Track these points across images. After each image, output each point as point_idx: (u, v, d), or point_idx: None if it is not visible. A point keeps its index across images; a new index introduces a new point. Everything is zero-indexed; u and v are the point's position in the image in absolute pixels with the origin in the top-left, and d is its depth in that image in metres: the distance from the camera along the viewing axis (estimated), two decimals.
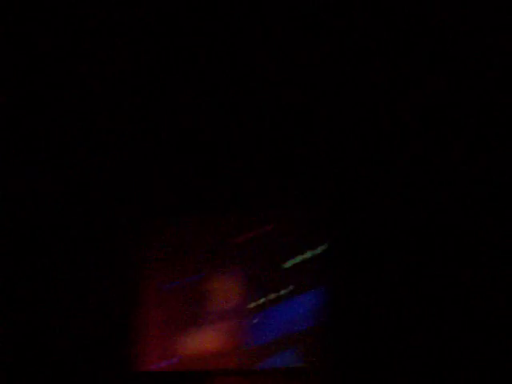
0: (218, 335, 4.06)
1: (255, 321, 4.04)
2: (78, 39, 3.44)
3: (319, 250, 4.10)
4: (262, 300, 4.07)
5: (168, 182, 4.30)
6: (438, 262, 3.78)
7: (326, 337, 3.93)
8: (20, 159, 4.14)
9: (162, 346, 4.11)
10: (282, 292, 4.06)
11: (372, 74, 3.62)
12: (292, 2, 3.23)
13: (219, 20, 3.34)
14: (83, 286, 4.22)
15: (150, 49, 3.53)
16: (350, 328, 3.84)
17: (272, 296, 4.07)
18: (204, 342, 4.06)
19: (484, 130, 3.74)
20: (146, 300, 4.21)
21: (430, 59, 3.51)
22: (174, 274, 4.22)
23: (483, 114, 3.70)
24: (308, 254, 4.11)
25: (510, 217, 3.69)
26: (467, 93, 3.64)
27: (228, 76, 3.70)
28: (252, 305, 4.08)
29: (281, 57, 3.56)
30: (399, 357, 3.68)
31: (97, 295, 4.19)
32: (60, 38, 3.42)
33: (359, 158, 4.05)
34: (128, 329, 4.14)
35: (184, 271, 4.22)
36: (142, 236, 4.34)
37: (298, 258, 4.12)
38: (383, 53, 3.49)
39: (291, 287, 4.07)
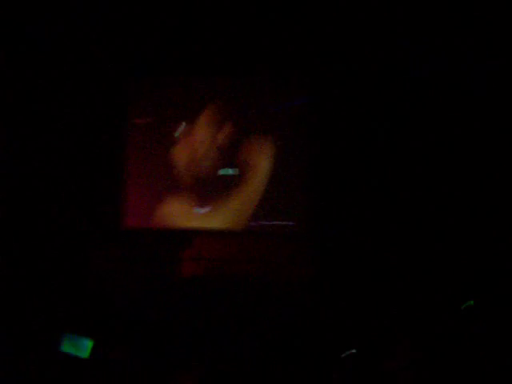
0: (202, 196, 4.36)
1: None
2: None
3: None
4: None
5: (153, 42, 4.28)
6: None
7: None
8: None
9: (145, 206, 4.39)
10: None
11: None
12: None
13: None
14: (70, 152, 4.37)
15: None
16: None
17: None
18: (186, 203, 4.36)
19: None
20: (130, 163, 4.42)
21: None
22: (157, 136, 4.39)
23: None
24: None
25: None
26: None
27: None
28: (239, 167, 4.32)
29: None
30: None
31: (84, 158, 4.38)
32: None
33: None
34: (114, 190, 4.41)
35: (166, 134, 4.39)
36: (127, 97, 4.41)
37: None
38: None
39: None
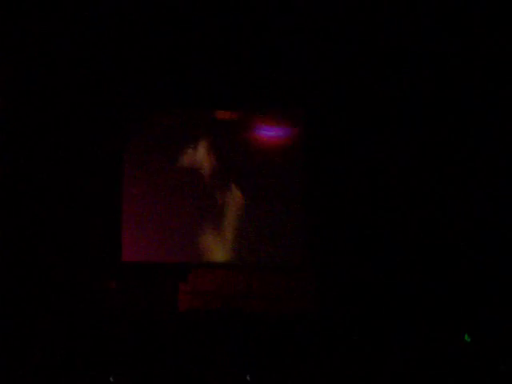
0: (202, 229, 4.34)
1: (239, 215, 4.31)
2: None
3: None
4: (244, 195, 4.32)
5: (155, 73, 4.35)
6: None
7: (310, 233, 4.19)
8: None
9: (147, 238, 4.39)
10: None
11: None
12: None
13: None
14: (72, 175, 4.39)
15: None
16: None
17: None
18: (189, 235, 4.36)
19: None
20: (131, 191, 4.43)
21: None
22: (158, 165, 4.41)
23: None
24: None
25: None
26: None
27: None
28: (235, 199, 4.33)
29: None
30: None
31: (84, 185, 4.40)
32: None
33: None
34: (115, 220, 4.41)
35: (167, 162, 4.41)
36: (127, 124, 4.45)
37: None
38: None
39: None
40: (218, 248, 4.34)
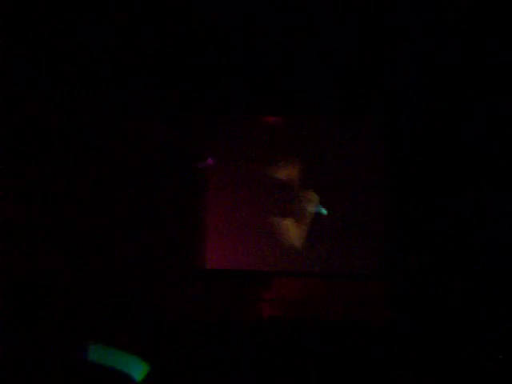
0: (282, 237, 4.35)
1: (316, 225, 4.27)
2: None
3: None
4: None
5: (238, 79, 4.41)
6: None
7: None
8: None
9: (228, 246, 4.49)
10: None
11: None
12: None
13: None
14: (152, 188, 4.55)
15: None
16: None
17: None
18: (271, 243, 4.38)
19: None
20: (213, 201, 4.56)
21: None
22: (241, 173, 4.50)
23: None
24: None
25: None
26: None
27: None
28: (316, 207, 4.31)
29: None
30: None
31: (165, 198, 4.55)
32: None
33: None
34: (197, 229, 4.56)
35: (248, 171, 4.48)
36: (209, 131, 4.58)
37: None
38: None
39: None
40: (299, 256, 4.32)
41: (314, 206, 4.30)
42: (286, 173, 4.42)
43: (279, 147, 4.46)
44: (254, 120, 4.55)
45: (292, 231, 4.33)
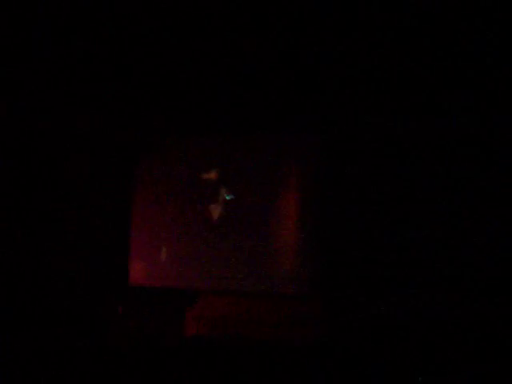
0: (210, 255, 4.30)
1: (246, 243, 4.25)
2: None
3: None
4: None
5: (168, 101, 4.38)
6: None
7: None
8: None
9: (154, 263, 4.38)
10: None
11: None
12: None
13: None
14: (80, 203, 4.43)
15: None
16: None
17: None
18: (196, 261, 4.32)
19: None
20: (139, 216, 4.45)
21: None
22: (168, 190, 4.41)
23: None
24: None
25: None
26: None
27: None
28: (245, 226, 4.27)
29: None
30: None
31: (92, 212, 4.43)
32: None
33: None
34: (121, 246, 4.41)
35: (177, 188, 4.41)
36: (137, 153, 4.48)
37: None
38: None
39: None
40: (225, 274, 4.29)
41: (242, 223, 4.35)
42: (214, 190, 4.44)
43: (210, 166, 4.43)
44: (184, 139, 4.52)
45: (219, 249, 4.34)
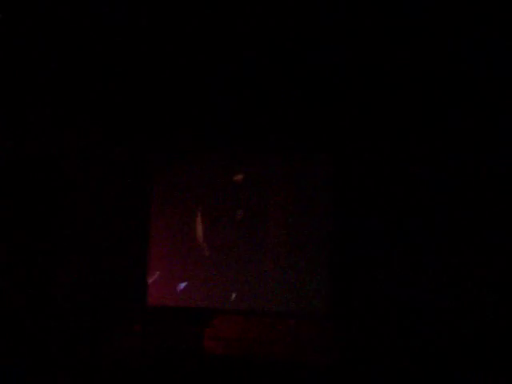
0: (227, 275, 4.40)
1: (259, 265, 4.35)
2: None
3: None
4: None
5: (180, 120, 4.51)
6: None
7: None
8: None
9: (170, 284, 4.47)
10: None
11: None
12: None
13: None
14: (93, 225, 4.52)
15: None
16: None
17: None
18: (213, 281, 4.41)
19: None
20: (155, 238, 4.54)
21: None
22: (185, 211, 4.51)
23: None
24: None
25: None
26: None
27: None
28: (261, 246, 4.36)
29: None
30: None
31: (108, 235, 4.52)
32: None
33: None
34: (139, 266, 4.51)
35: (193, 209, 4.50)
36: (150, 173, 4.59)
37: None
38: None
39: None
40: (242, 294, 4.39)
41: (257, 244, 4.44)
42: (231, 211, 4.53)
43: (224, 186, 4.53)
44: (197, 157, 4.60)
45: (236, 270, 4.43)
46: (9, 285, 4.23)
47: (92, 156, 4.55)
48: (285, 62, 4.11)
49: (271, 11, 3.57)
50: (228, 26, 3.75)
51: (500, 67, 3.80)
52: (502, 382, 3.56)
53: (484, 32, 3.52)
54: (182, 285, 4.50)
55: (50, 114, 4.48)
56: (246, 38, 3.87)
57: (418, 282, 4.01)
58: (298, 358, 4.13)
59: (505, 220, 3.85)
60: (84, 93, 4.46)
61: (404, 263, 4.06)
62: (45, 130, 4.47)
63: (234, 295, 4.41)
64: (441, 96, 4.08)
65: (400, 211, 4.13)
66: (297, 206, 4.41)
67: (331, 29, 3.73)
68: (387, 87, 4.16)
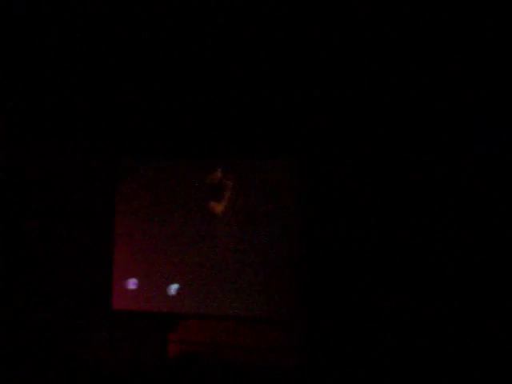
0: (192, 279, 4.37)
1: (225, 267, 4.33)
2: None
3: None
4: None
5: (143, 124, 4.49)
6: None
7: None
8: None
9: (136, 288, 4.44)
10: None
11: None
12: None
13: None
14: (60, 229, 4.49)
15: None
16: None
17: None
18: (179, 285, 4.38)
19: None
20: (122, 241, 4.51)
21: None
22: (150, 215, 4.48)
23: None
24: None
25: None
26: None
27: None
28: (226, 251, 4.35)
29: None
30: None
31: (73, 238, 4.49)
32: None
33: None
34: (105, 269, 4.47)
35: (156, 213, 4.48)
36: (115, 177, 4.57)
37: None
38: None
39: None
40: (207, 299, 4.35)
41: (225, 250, 4.39)
42: (197, 215, 4.48)
43: (193, 191, 4.50)
44: (165, 164, 4.59)
45: (201, 274, 4.38)
46: None
47: (55, 157, 4.51)
48: (252, 64, 4.15)
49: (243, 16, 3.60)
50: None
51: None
52: None
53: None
54: (133, 284, 4.47)
55: (13, 115, 4.44)
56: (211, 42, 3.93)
57: (385, 286, 3.98)
58: (265, 361, 4.10)
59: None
60: (48, 94, 4.44)
61: (371, 267, 4.03)
62: (7, 131, 4.43)
63: (199, 299, 4.35)
64: (406, 96, 4.06)
65: (367, 214, 4.11)
66: (263, 210, 4.37)
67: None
68: (353, 89, 4.14)
